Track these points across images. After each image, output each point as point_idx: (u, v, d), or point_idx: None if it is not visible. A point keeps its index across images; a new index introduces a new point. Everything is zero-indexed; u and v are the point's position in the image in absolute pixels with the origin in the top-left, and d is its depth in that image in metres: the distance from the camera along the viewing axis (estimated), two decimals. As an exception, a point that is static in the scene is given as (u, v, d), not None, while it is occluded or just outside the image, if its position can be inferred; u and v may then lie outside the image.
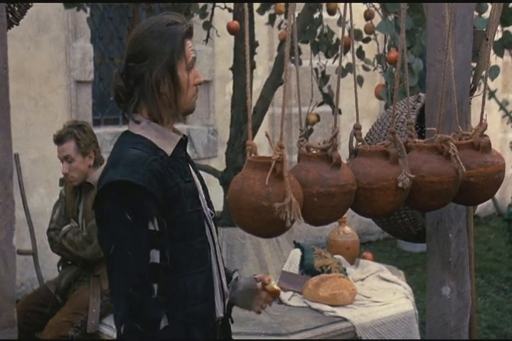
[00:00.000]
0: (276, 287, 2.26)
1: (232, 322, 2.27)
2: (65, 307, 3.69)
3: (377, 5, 4.23)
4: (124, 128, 2.12)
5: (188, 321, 2.02)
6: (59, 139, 3.72)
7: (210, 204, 2.18)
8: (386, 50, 4.00)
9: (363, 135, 2.20)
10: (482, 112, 2.32)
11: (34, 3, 2.55)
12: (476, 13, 2.85)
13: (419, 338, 3.90)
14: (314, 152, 1.95)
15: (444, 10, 2.31)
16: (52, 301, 3.79)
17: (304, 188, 1.84)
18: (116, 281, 1.99)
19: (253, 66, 4.58)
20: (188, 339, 2.03)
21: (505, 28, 3.56)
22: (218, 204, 4.33)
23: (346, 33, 3.18)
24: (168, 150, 2.05)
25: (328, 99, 4.89)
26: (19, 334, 1.84)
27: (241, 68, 4.35)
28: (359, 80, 4.05)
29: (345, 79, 3.02)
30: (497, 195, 6.54)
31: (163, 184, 1.97)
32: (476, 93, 2.54)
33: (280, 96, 4.50)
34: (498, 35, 3.17)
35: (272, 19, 5.13)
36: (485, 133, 2.32)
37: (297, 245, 4.33)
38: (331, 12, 4.65)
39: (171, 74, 2.02)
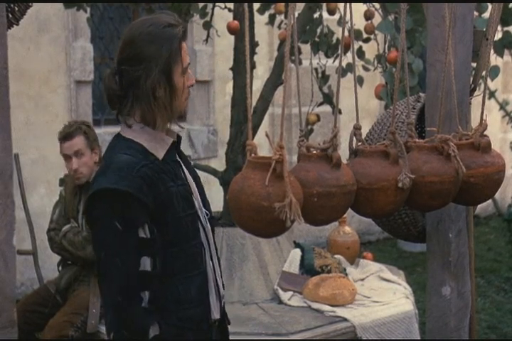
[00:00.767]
0: None
1: (229, 323, 2.27)
2: (65, 307, 3.69)
3: (377, 5, 4.23)
4: (124, 129, 2.12)
5: (181, 325, 2.01)
6: (67, 135, 3.69)
7: (206, 204, 2.17)
8: (386, 50, 3.99)
9: (363, 135, 2.20)
10: (482, 112, 2.32)
11: (34, 3, 2.55)
12: (476, 13, 2.85)
13: (419, 338, 3.90)
14: (314, 152, 1.95)
15: (444, 10, 2.31)
16: (52, 301, 3.78)
17: (304, 188, 1.84)
18: (105, 288, 1.98)
19: (253, 66, 4.58)
20: None
21: (505, 28, 3.56)
22: (218, 204, 4.34)
23: (346, 33, 3.18)
24: (160, 154, 2.03)
25: (328, 99, 4.89)
26: (19, 334, 1.84)
27: (241, 68, 4.35)
28: (359, 80, 4.05)
29: (345, 79, 3.02)
30: (497, 195, 6.53)
31: (154, 189, 1.96)
32: (476, 93, 2.54)
33: (280, 96, 4.50)
34: (498, 35, 3.17)
35: (271, 19, 5.14)
36: (485, 133, 2.32)
37: (297, 245, 4.33)
38: (331, 12, 4.66)
39: (167, 79, 1.99)
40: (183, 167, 2.13)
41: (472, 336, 2.60)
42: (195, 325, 2.04)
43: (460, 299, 2.53)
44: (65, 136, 3.70)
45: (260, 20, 4.93)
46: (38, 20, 5.66)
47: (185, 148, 2.11)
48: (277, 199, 1.71)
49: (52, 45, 5.81)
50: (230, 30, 4.30)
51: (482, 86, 2.47)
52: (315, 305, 3.78)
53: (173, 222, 2.00)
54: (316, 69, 4.96)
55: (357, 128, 2.11)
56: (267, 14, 5.03)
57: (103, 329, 3.66)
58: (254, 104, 4.38)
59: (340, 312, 3.71)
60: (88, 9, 4.87)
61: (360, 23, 4.13)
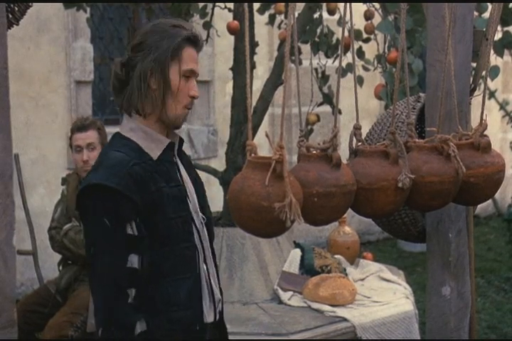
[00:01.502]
0: None
1: (225, 326, 2.25)
2: (65, 307, 3.69)
3: (377, 5, 4.23)
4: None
5: (170, 326, 2.01)
6: (83, 127, 3.69)
7: (203, 208, 2.16)
8: (386, 50, 4.00)
9: (363, 135, 2.20)
10: (482, 112, 2.32)
11: (34, 3, 2.55)
12: (476, 13, 2.85)
13: (419, 338, 3.90)
14: (314, 152, 1.95)
15: (444, 10, 2.31)
16: (52, 301, 3.78)
17: (304, 188, 1.84)
18: (94, 284, 2.00)
19: (253, 66, 4.58)
20: None
21: (505, 28, 3.56)
22: (218, 204, 4.34)
23: (346, 33, 3.18)
24: (155, 154, 2.04)
25: (328, 99, 4.89)
26: (19, 334, 1.83)
27: (241, 68, 4.35)
28: (359, 80, 4.05)
29: (345, 79, 3.02)
30: (497, 195, 6.53)
31: (144, 188, 1.97)
32: (476, 93, 2.54)
33: (280, 96, 4.50)
34: (498, 35, 3.17)
35: (271, 19, 5.14)
36: (485, 133, 2.32)
37: (297, 245, 4.33)
38: (331, 12, 4.66)
39: (161, 70, 2.02)
40: (181, 169, 2.12)
41: (472, 336, 2.60)
42: (185, 326, 2.04)
43: (460, 299, 2.53)
44: (80, 128, 3.70)
45: (260, 20, 4.93)
46: (38, 20, 5.66)
47: (185, 148, 2.10)
48: (277, 199, 1.71)
49: (52, 45, 5.81)
50: (230, 30, 4.30)
51: (482, 86, 2.47)
52: (315, 305, 3.78)
53: (163, 223, 2.00)
54: (316, 69, 4.96)
55: (357, 128, 2.11)
56: (267, 14, 5.03)
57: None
58: (254, 104, 4.38)
59: (340, 312, 3.71)
60: (88, 9, 4.87)
61: (360, 23, 4.13)
